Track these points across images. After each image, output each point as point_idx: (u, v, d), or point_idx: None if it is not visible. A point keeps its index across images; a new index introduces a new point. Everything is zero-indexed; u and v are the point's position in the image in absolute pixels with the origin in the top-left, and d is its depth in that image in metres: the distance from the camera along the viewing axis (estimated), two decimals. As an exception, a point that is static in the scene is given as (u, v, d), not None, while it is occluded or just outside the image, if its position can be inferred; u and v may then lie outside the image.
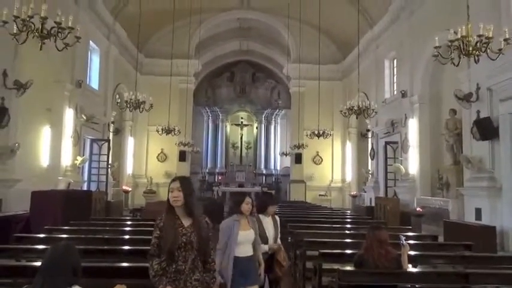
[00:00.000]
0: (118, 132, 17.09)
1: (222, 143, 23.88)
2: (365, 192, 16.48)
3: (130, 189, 16.84)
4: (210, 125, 24.12)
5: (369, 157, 16.30)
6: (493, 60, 5.69)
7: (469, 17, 5.76)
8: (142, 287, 3.13)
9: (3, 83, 8.48)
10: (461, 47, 5.46)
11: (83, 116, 12.40)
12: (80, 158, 12.19)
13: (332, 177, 19.76)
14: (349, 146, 19.27)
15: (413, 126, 12.40)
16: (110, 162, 14.43)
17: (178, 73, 17.93)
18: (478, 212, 8.44)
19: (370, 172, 15.93)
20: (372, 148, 15.93)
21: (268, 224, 4.48)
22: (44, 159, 11.51)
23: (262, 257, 3.99)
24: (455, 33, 5.51)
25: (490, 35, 5.36)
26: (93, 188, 13.65)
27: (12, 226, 7.36)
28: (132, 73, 15.09)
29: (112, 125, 15.63)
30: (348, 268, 3.86)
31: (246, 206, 3.86)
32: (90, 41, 13.58)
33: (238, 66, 23.99)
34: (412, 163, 12.32)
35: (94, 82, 14.20)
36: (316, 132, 15.36)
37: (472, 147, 8.85)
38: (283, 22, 17.75)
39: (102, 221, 8.25)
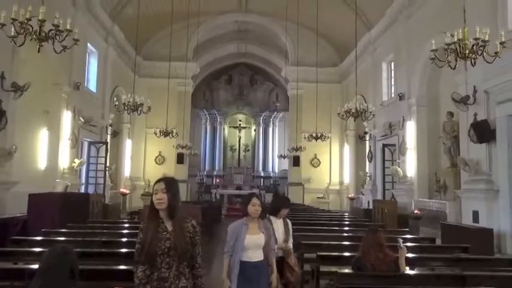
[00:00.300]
0: (116, 134, 17.07)
1: (220, 145, 23.88)
2: (363, 194, 16.49)
3: (128, 191, 16.80)
4: (208, 127, 24.12)
5: (367, 160, 16.32)
6: (489, 63, 5.72)
7: (465, 21, 5.80)
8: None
9: (1, 86, 8.46)
10: (458, 50, 5.49)
11: (80, 118, 12.38)
12: (77, 161, 12.16)
13: (330, 180, 19.78)
14: (347, 148, 19.30)
15: (410, 128, 12.44)
16: (107, 164, 14.40)
17: (176, 75, 17.94)
18: (476, 215, 8.46)
19: (368, 175, 15.95)
20: (370, 151, 15.96)
21: (279, 226, 4.33)
22: (41, 162, 11.48)
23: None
24: (452, 36, 5.54)
25: (487, 38, 5.40)
26: (91, 190, 13.62)
27: (9, 229, 7.34)
28: (130, 75, 15.10)
29: (110, 127, 15.60)
30: (346, 271, 3.86)
31: (253, 207, 3.56)
32: (88, 44, 13.58)
33: (236, 68, 24.03)
34: (410, 165, 12.35)
35: (92, 84, 14.19)
36: (314, 134, 15.38)
37: (469, 150, 8.88)
38: (281, 25, 17.79)
39: (99, 223, 8.24)
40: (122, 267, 3.98)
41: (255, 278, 3.44)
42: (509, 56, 6.86)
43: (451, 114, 10.52)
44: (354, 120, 13.10)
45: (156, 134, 15.17)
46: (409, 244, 5.94)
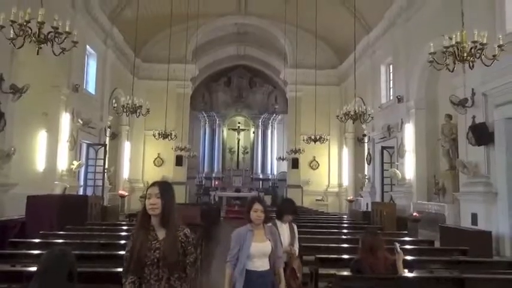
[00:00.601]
0: (114, 136, 17.06)
1: (219, 147, 23.87)
2: (362, 197, 16.50)
3: (126, 193, 16.77)
4: (207, 129, 24.12)
5: (366, 162, 16.33)
6: (487, 66, 5.74)
7: (463, 24, 5.82)
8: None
9: (0, 87, 8.45)
10: (456, 53, 5.51)
11: (79, 120, 12.38)
12: (76, 163, 12.15)
13: (329, 182, 19.78)
14: (345, 150, 19.32)
15: (409, 131, 12.46)
16: (106, 166, 14.39)
17: (175, 78, 17.95)
18: (474, 217, 8.47)
19: (366, 177, 15.96)
20: (369, 153, 15.98)
21: (285, 231, 4.16)
22: (40, 164, 11.46)
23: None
24: (450, 38, 5.57)
25: (485, 41, 5.42)
26: (89, 192, 13.61)
27: (7, 231, 7.32)
28: (129, 77, 15.11)
29: (108, 129, 15.60)
30: (345, 273, 3.86)
31: (255, 214, 3.33)
32: (87, 46, 13.59)
33: (235, 71, 24.06)
34: (409, 168, 12.36)
35: (91, 86, 14.19)
36: (312, 137, 15.38)
37: (468, 153, 8.90)
38: (280, 27, 17.83)
39: (98, 225, 8.22)
40: (121, 269, 3.96)
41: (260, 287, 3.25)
42: (507, 59, 6.90)
43: (449, 116, 10.54)
44: (353, 123, 13.12)
45: (154, 136, 15.16)
46: (407, 247, 5.95)
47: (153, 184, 2.45)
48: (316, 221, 10.44)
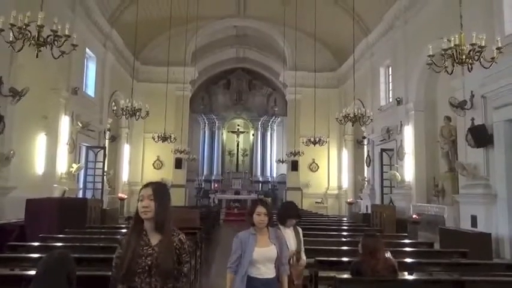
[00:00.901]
0: (114, 139, 17.06)
1: (218, 150, 23.87)
2: (361, 199, 16.50)
3: (126, 196, 16.75)
4: (207, 132, 24.13)
5: (365, 164, 16.34)
6: (486, 68, 5.76)
7: (462, 26, 5.83)
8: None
9: (-1, 91, 8.47)
10: (455, 56, 5.52)
11: (78, 123, 12.38)
12: (75, 166, 12.14)
13: (328, 185, 19.78)
14: (345, 153, 19.33)
15: (408, 133, 12.47)
16: (105, 169, 14.38)
17: (174, 80, 17.96)
18: (474, 219, 8.47)
19: (366, 179, 15.97)
20: (368, 155, 15.98)
21: (289, 235, 3.91)
22: (39, 167, 11.45)
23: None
24: (449, 41, 5.58)
25: (483, 44, 5.43)
26: (89, 195, 13.58)
27: (6, 234, 7.30)
28: (128, 80, 15.13)
29: (108, 132, 15.60)
30: (345, 276, 3.85)
31: (258, 217, 3.14)
32: (87, 49, 13.61)
33: (234, 73, 24.08)
34: (408, 170, 12.37)
35: (90, 89, 14.20)
36: (312, 139, 15.40)
37: (467, 155, 8.91)
38: (279, 30, 17.87)
39: (97, 229, 8.21)
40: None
41: None
42: (505, 61, 6.93)
43: (448, 118, 10.55)
44: (352, 125, 13.14)
45: (154, 139, 15.15)
46: (407, 249, 5.95)
47: (146, 185, 2.28)
48: (315, 223, 10.43)
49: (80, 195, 13.10)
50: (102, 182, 14.11)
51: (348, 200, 17.84)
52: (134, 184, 18.57)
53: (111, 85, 15.68)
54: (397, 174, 12.76)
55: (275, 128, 24.54)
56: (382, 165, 14.16)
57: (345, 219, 13.86)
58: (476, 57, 5.49)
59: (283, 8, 16.18)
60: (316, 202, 19.07)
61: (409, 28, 12.57)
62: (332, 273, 4.08)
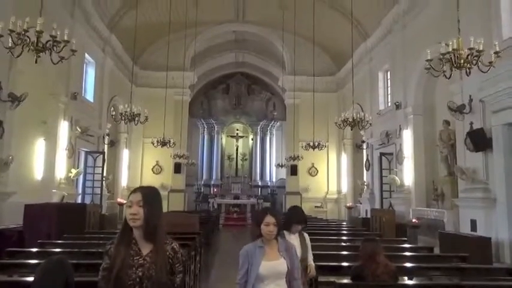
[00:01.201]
0: (113, 144, 17.05)
1: (217, 154, 23.86)
2: (361, 203, 16.47)
3: (125, 201, 16.67)
4: (206, 136, 24.13)
5: (364, 168, 16.34)
6: (484, 72, 5.77)
7: (459, 31, 5.86)
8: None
9: (-2, 96, 8.47)
10: (453, 60, 5.54)
11: (77, 128, 12.37)
12: (74, 171, 12.12)
13: (327, 189, 19.76)
14: (344, 157, 19.32)
15: (407, 137, 12.48)
16: (104, 174, 14.35)
17: (173, 85, 17.97)
18: (473, 223, 8.46)
19: (365, 183, 15.95)
20: (367, 159, 15.99)
21: (294, 242, 3.64)
22: (38, 172, 11.43)
23: None
24: (447, 45, 5.60)
25: (481, 48, 5.45)
26: (88, 200, 13.55)
27: (4, 240, 7.27)
28: (128, 85, 15.13)
29: (107, 137, 15.59)
30: (345, 281, 3.84)
31: (266, 228, 2.83)
32: (86, 54, 13.63)
33: (233, 78, 24.12)
34: (407, 174, 12.36)
35: (89, 94, 14.21)
36: (311, 143, 15.40)
37: (466, 159, 8.91)
38: (277, 35, 17.93)
39: (96, 234, 8.18)
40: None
41: None
42: (503, 65, 6.96)
43: (447, 122, 10.57)
44: (351, 129, 13.15)
45: (153, 144, 15.14)
46: (407, 253, 5.94)
47: (135, 190, 2.13)
48: (315, 228, 10.41)
49: (79, 200, 13.07)
50: (101, 187, 14.08)
51: (348, 205, 17.81)
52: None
53: (110, 90, 15.69)
54: (397, 178, 12.76)
55: (274, 132, 24.55)
56: (381, 169, 14.16)
57: (345, 223, 13.84)
58: (474, 62, 5.50)
59: (282, 12, 16.24)
60: (315, 206, 19.04)
61: (408, 32, 12.61)
62: (332, 278, 4.07)
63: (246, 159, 24.22)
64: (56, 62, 5.81)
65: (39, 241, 6.22)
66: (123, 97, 16.00)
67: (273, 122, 24.14)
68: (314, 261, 4.30)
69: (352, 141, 18.67)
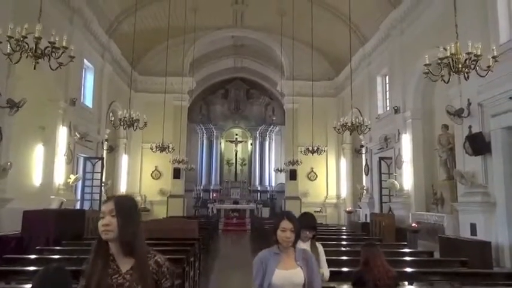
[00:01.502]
0: (112, 150, 17.03)
1: (216, 159, 23.85)
2: (360, 208, 16.45)
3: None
4: (205, 141, 24.13)
5: (363, 173, 16.33)
6: (482, 77, 5.79)
7: (457, 35, 5.88)
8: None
9: (-3, 102, 8.46)
10: (451, 64, 5.55)
11: (76, 134, 12.35)
12: (73, 177, 12.09)
13: (327, 193, 19.74)
14: (343, 161, 19.32)
15: (406, 141, 12.48)
16: (103, 180, 14.32)
17: (172, 90, 18.01)
18: (473, 227, 8.44)
19: (364, 188, 15.94)
20: (366, 164, 15.98)
21: None
22: (36, 178, 11.40)
23: None
24: (445, 50, 5.62)
25: (479, 53, 5.47)
26: (87, 206, 13.50)
27: (3, 247, 7.24)
28: (126, 91, 15.14)
29: (106, 142, 15.57)
30: (345, 286, 3.82)
31: (283, 233, 2.60)
32: (85, 59, 13.64)
33: (232, 83, 24.18)
34: (406, 178, 12.35)
35: (88, 100, 14.20)
36: (310, 148, 15.41)
37: (465, 162, 8.91)
38: (276, 40, 17.99)
39: (95, 240, 8.13)
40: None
41: None
42: (501, 69, 6.97)
43: (446, 127, 10.58)
44: (350, 134, 13.16)
45: (152, 149, 15.14)
46: (407, 258, 5.92)
47: (108, 199, 1.91)
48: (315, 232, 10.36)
49: (78, 206, 13.02)
50: (100, 193, 14.03)
51: (347, 209, 17.79)
52: (132, 194, 18.49)
53: (109, 96, 15.70)
54: (396, 182, 12.75)
55: (273, 137, 24.56)
56: (380, 173, 14.16)
57: (344, 228, 13.82)
58: (472, 66, 5.52)
59: (280, 18, 16.32)
60: (315, 211, 18.95)
61: (406, 37, 12.66)
62: (332, 284, 4.05)
63: (245, 164, 24.21)
64: (54, 68, 5.82)
65: (37, 248, 6.20)
66: (122, 103, 16.00)
67: (272, 127, 24.16)
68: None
69: (351, 145, 18.68)
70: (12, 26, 5.30)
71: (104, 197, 14.62)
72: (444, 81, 5.88)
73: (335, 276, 4.61)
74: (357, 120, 10.59)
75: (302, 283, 2.54)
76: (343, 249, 7.04)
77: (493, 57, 5.57)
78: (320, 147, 15.59)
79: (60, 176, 11.67)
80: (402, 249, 7.15)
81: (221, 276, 8.52)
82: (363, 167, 16.36)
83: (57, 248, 6.46)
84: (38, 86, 10.57)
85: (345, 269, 4.81)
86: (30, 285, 2.44)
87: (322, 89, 19.29)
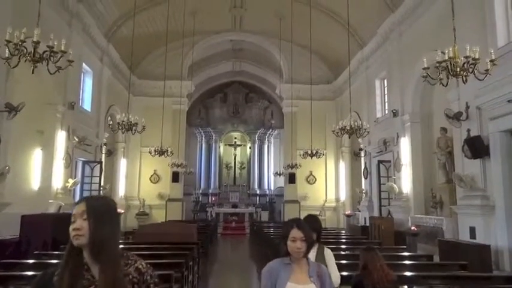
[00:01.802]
0: (110, 153, 16.99)
1: (215, 163, 23.81)
2: (359, 211, 16.43)
3: (122, 211, 16.62)
4: (204, 145, 24.10)
5: (362, 176, 16.33)
6: (480, 80, 5.80)
7: (455, 39, 5.89)
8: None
9: (-5, 106, 8.44)
10: (449, 68, 5.57)
11: (75, 138, 12.33)
12: (71, 181, 12.05)
13: (326, 197, 19.73)
14: (342, 165, 19.32)
15: (405, 145, 12.50)
16: (102, 184, 14.29)
17: (171, 94, 18.03)
18: (472, 231, 8.43)
19: (363, 191, 15.93)
20: (365, 167, 15.98)
21: (310, 255, 2.85)
22: (34, 182, 11.37)
23: None
24: (444, 53, 5.63)
25: (477, 56, 5.48)
26: (85, 210, 13.43)
27: (1, 251, 7.21)
28: (125, 95, 15.15)
29: (104, 146, 15.54)
30: (344, 290, 3.80)
31: (293, 244, 2.36)
32: (83, 63, 13.64)
33: (231, 86, 24.20)
34: (405, 182, 12.36)
35: (87, 104, 14.20)
36: (309, 152, 15.41)
37: (464, 166, 8.92)
38: (275, 43, 18.04)
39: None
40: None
41: None
42: (499, 73, 7.00)
43: (444, 130, 10.60)
44: (349, 137, 13.18)
45: (151, 153, 15.12)
46: (407, 262, 5.91)
47: (80, 201, 1.73)
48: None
49: (76, 210, 12.95)
50: (99, 197, 13.98)
51: (346, 212, 17.77)
52: (131, 199, 18.48)
53: (107, 99, 15.69)
54: (395, 186, 12.74)
55: (272, 140, 24.56)
56: (379, 177, 14.15)
57: (343, 231, 13.78)
58: (470, 70, 5.53)
59: (279, 21, 16.37)
60: (314, 215, 18.98)
61: (404, 41, 12.70)
62: (331, 288, 4.02)
63: (244, 168, 24.19)
64: (52, 72, 5.81)
65: (35, 252, 6.17)
66: (120, 106, 16.00)
67: (270, 131, 24.16)
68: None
69: (350, 149, 18.68)
70: (10, 30, 5.31)
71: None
72: (442, 84, 5.89)
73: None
74: (356, 123, 10.59)
75: None
76: (342, 253, 7.01)
77: (491, 60, 5.58)
78: (319, 151, 15.59)
79: (58, 180, 11.64)
80: (401, 252, 7.14)
81: (220, 280, 8.48)
82: (362, 171, 16.36)
83: (55, 252, 6.42)
84: (36, 90, 10.56)
85: (344, 273, 4.79)
86: (27, 291, 2.42)
87: (320, 93, 19.32)
